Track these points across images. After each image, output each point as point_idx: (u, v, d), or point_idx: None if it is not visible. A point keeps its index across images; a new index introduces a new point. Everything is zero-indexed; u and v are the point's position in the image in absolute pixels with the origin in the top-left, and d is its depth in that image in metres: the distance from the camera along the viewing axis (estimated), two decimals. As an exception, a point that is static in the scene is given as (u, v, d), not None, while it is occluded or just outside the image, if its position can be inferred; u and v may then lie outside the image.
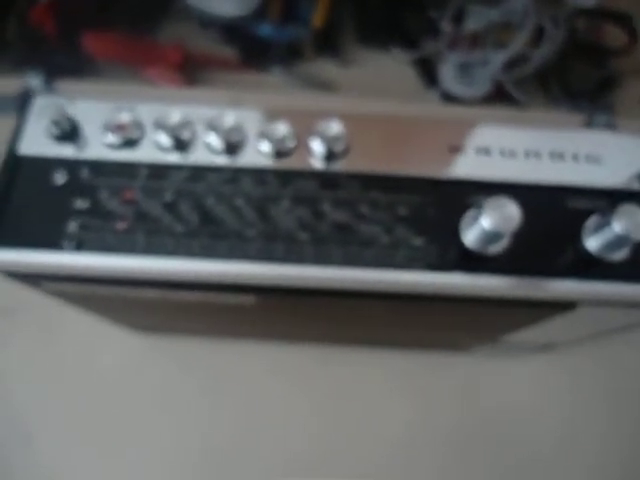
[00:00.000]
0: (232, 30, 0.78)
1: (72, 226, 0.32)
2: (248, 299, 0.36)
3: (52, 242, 0.31)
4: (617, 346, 0.62)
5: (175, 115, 0.32)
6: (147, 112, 0.34)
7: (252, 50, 0.78)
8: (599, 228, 0.30)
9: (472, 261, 0.31)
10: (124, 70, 0.73)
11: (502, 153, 0.34)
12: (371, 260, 0.31)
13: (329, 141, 0.32)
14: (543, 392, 0.64)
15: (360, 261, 0.31)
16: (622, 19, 0.75)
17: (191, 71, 0.76)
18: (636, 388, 0.63)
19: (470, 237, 0.30)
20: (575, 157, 0.34)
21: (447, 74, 0.75)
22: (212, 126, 0.32)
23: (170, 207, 0.32)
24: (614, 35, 0.77)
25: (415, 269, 0.31)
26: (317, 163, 0.33)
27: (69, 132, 0.33)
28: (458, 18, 0.75)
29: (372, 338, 0.57)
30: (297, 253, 0.31)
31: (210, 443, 0.61)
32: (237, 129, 0.33)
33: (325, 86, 0.77)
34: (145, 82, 0.73)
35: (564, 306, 0.33)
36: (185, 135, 0.33)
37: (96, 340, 0.62)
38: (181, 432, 0.61)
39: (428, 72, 0.78)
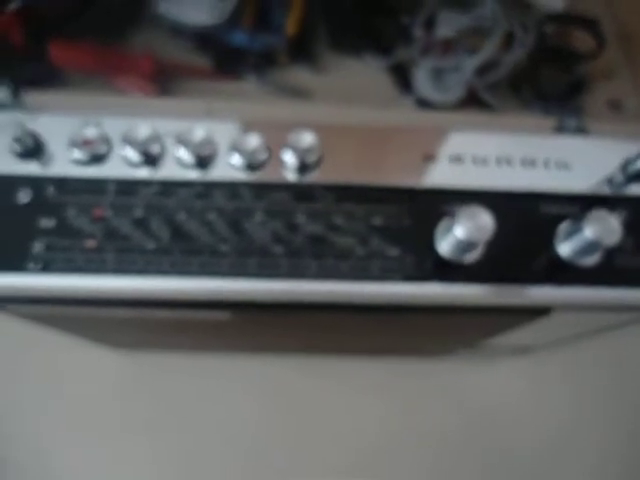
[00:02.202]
0: (205, 38, 0.77)
1: (38, 246, 0.30)
2: (224, 315, 0.35)
3: (16, 264, 0.30)
4: (594, 348, 0.63)
5: (143, 129, 0.32)
6: (114, 126, 0.33)
7: (225, 58, 0.77)
8: (571, 234, 0.30)
9: (448, 270, 0.31)
10: (94, 80, 0.72)
11: (474, 161, 0.34)
12: (347, 272, 0.31)
13: (301, 153, 0.32)
14: (523, 393, 0.64)
15: (336, 273, 0.31)
16: (589, 24, 0.77)
17: (163, 80, 0.74)
18: (614, 387, 0.64)
19: (445, 247, 0.30)
20: (546, 163, 0.34)
21: (421, 80, 0.75)
22: (182, 140, 0.32)
23: (140, 223, 0.31)
24: (582, 40, 0.79)
25: (391, 280, 0.31)
26: (290, 175, 0.33)
27: (33, 149, 0.32)
28: (430, 24, 0.76)
29: (355, 347, 0.56)
30: (271, 267, 0.31)
31: (192, 455, 0.60)
32: (208, 142, 0.32)
33: (300, 93, 0.77)
34: (116, 92, 0.72)
35: (539, 311, 0.33)
36: (154, 149, 0.32)
37: (75, 360, 0.61)
38: (163, 445, 0.60)
39: (402, 78, 0.79)
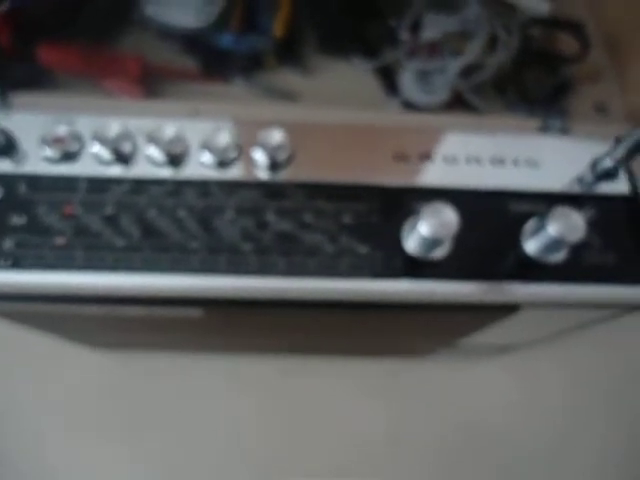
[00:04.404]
0: (192, 41, 0.78)
1: (8, 243, 0.31)
2: (196, 312, 0.35)
3: (-14, 260, 0.30)
4: (573, 344, 0.63)
5: (114, 127, 0.32)
6: (86, 124, 0.33)
7: (213, 61, 0.78)
8: (536, 231, 0.30)
9: (416, 267, 0.31)
10: (83, 82, 0.72)
11: (445, 160, 0.34)
12: (316, 269, 0.31)
13: (271, 150, 0.32)
14: (515, 391, 0.64)
15: (305, 270, 0.31)
16: (575, 28, 0.77)
17: (151, 83, 0.75)
18: (594, 383, 0.64)
19: (411, 244, 0.30)
20: (515, 162, 0.34)
21: (407, 82, 0.76)
22: (152, 138, 0.32)
23: (111, 221, 0.32)
24: (568, 43, 0.79)
25: (360, 277, 0.31)
26: (261, 173, 0.33)
27: (4, 146, 0.32)
28: (416, 27, 0.76)
29: (331, 347, 0.57)
30: (241, 264, 0.31)
31: (175, 457, 0.60)
32: (178, 140, 0.32)
33: (287, 96, 0.77)
34: (104, 94, 0.72)
35: (508, 309, 0.33)
36: (125, 147, 0.32)
37: (54, 360, 0.61)
38: (144, 446, 0.60)
39: (389, 81, 0.79)
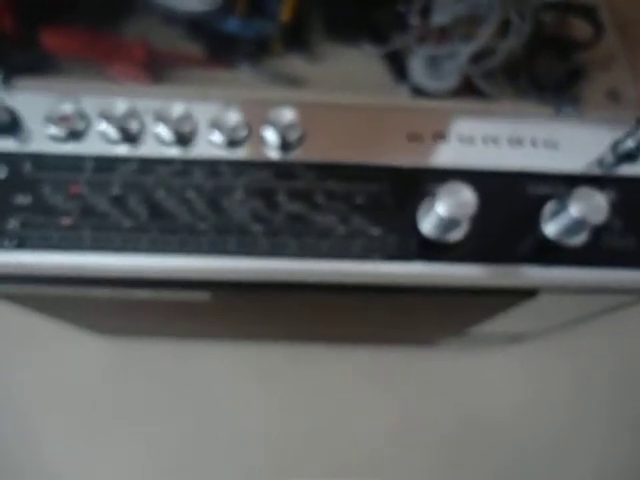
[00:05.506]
0: (198, 26, 0.76)
1: (13, 223, 0.30)
2: (203, 295, 0.34)
3: (-9, 240, 0.30)
4: (585, 335, 0.62)
5: (121, 105, 0.31)
6: (92, 103, 0.32)
7: (219, 46, 0.77)
8: (556, 213, 0.29)
9: (431, 250, 0.30)
10: (87, 68, 0.71)
11: (460, 140, 0.33)
12: (327, 251, 0.30)
13: (282, 130, 0.31)
14: (513, 383, 0.64)
15: (316, 252, 0.30)
16: (588, 12, 0.75)
17: (156, 68, 0.74)
18: (604, 376, 0.63)
19: (427, 225, 0.30)
20: (533, 142, 0.33)
21: (416, 68, 0.74)
22: (160, 116, 0.31)
23: (118, 201, 0.31)
24: (580, 28, 0.78)
25: (372, 259, 0.30)
26: (272, 152, 0.32)
27: (9, 124, 0.31)
28: (426, 12, 0.75)
29: (340, 335, 0.56)
30: (251, 245, 0.30)
31: (181, 444, 0.60)
32: (186, 118, 0.31)
33: (294, 81, 0.76)
34: (109, 79, 0.71)
35: (525, 293, 0.32)
36: (133, 126, 0.31)
37: (61, 345, 0.60)
38: (150, 434, 0.60)
39: (398, 66, 0.77)
